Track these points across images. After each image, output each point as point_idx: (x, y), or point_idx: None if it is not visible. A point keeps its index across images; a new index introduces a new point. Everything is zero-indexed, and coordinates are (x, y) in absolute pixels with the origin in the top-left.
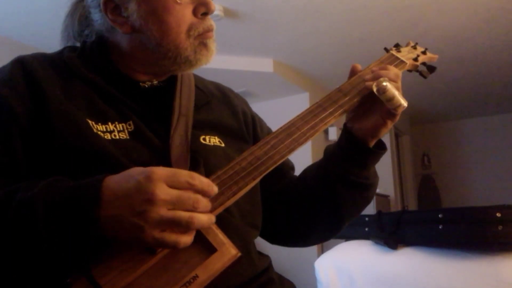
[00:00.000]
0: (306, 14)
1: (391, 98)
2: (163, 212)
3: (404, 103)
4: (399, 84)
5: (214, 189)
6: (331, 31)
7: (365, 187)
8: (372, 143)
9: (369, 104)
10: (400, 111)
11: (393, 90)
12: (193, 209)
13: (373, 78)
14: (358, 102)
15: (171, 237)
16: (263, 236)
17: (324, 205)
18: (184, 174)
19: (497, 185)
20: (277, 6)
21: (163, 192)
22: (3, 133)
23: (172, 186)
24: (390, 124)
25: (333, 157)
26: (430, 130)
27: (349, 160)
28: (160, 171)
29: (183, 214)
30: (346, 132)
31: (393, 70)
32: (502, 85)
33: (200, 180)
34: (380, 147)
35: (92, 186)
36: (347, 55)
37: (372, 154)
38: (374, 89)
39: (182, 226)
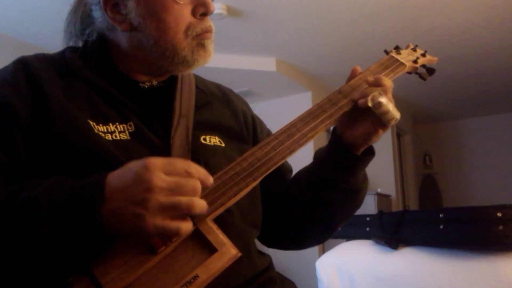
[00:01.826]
0: (309, 13)
1: (386, 112)
2: (162, 198)
3: (398, 116)
4: (390, 95)
5: (210, 179)
6: (334, 30)
7: (354, 193)
8: (361, 150)
9: (361, 111)
10: (393, 123)
11: (388, 105)
12: (193, 194)
13: (362, 96)
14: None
15: (172, 223)
16: (259, 238)
17: (315, 209)
18: (181, 162)
19: (498, 185)
20: (280, 5)
21: (160, 179)
22: (5, 134)
23: (169, 174)
24: (381, 133)
25: (322, 163)
26: (431, 130)
27: (338, 167)
28: (157, 160)
29: (183, 199)
30: (335, 138)
31: (386, 82)
32: (504, 85)
33: (197, 169)
34: (368, 152)
35: (96, 184)
36: (349, 54)
37: (360, 160)
38: (370, 104)
39: (182, 210)
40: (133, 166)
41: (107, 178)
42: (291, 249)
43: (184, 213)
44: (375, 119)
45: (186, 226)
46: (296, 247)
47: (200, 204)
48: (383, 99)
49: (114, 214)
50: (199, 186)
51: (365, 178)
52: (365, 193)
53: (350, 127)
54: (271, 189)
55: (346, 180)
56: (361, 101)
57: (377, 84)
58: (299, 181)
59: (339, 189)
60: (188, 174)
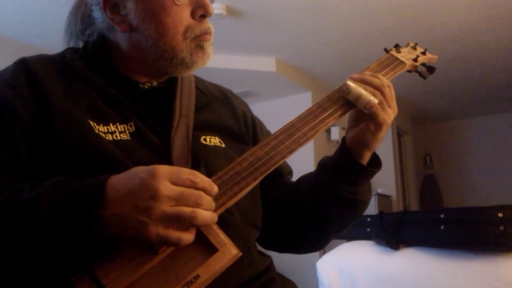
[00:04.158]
0: (309, 13)
1: (358, 97)
2: (166, 208)
3: (372, 99)
4: (386, 91)
5: (215, 188)
6: (333, 30)
7: (353, 203)
8: (366, 157)
9: (362, 115)
10: (374, 110)
11: (359, 89)
12: (196, 205)
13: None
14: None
15: (174, 233)
16: (258, 240)
17: (312, 215)
18: (186, 172)
19: (499, 185)
20: (280, 5)
21: (166, 188)
22: (6, 134)
23: (174, 183)
24: (372, 128)
25: (325, 169)
26: (432, 130)
27: (340, 174)
28: (164, 169)
29: (186, 210)
30: (342, 145)
31: (381, 79)
32: (504, 85)
33: (202, 178)
34: (374, 165)
35: (96, 185)
36: (349, 54)
37: (363, 170)
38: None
39: (185, 222)
40: (139, 172)
41: (108, 181)
42: (287, 252)
43: (186, 224)
44: (366, 115)
45: (187, 238)
46: (292, 250)
47: (203, 216)
48: (350, 84)
49: (117, 219)
50: (204, 197)
51: (368, 191)
52: (366, 206)
53: (352, 130)
54: (271, 190)
55: (346, 188)
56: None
57: (372, 77)
58: (300, 186)
59: (338, 196)
60: (193, 184)
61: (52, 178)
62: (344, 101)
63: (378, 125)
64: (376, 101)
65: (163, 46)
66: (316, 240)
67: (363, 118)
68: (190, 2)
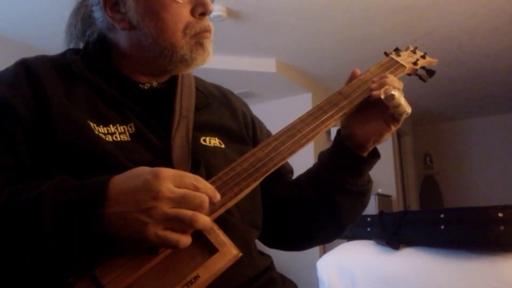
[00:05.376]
0: (309, 15)
1: (398, 105)
2: (168, 209)
3: (409, 110)
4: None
5: (217, 195)
6: (334, 32)
7: (362, 194)
8: (370, 150)
9: (369, 110)
10: (404, 116)
11: (400, 98)
12: (200, 208)
13: (379, 86)
14: (358, 105)
15: (173, 235)
16: (261, 239)
17: (323, 212)
18: (190, 176)
19: (499, 186)
20: (280, 7)
21: (169, 190)
22: (7, 134)
23: (177, 186)
24: (394, 129)
25: (328, 167)
26: (432, 130)
27: (345, 170)
28: (168, 171)
29: (187, 212)
30: (339, 140)
31: (396, 80)
32: (504, 85)
33: (205, 184)
34: (374, 155)
35: (98, 185)
36: (350, 55)
37: (368, 163)
38: (382, 96)
39: (185, 224)
40: (143, 173)
41: (111, 181)
42: (292, 250)
43: (186, 227)
44: (387, 115)
45: (185, 241)
46: (298, 248)
47: (203, 220)
48: (395, 92)
49: (117, 218)
50: (206, 200)
51: (369, 179)
52: (370, 194)
53: (361, 127)
54: (272, 190)
55: (353, 182)
56: (375, 93)
57: (386, 78)
58: (301, 185)
59: (347, 191)
60: (196, 189)
61: (52, 178)
62: (344, 103)
63: (398, 126)
64: (410, 111)
65: (162, 43)
66: (330, 234)
67: (373, 115)
68: (189, 0)
